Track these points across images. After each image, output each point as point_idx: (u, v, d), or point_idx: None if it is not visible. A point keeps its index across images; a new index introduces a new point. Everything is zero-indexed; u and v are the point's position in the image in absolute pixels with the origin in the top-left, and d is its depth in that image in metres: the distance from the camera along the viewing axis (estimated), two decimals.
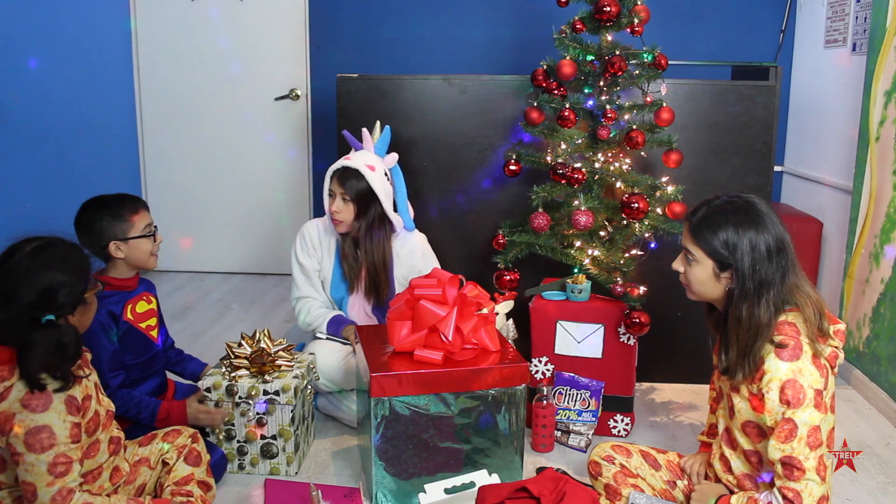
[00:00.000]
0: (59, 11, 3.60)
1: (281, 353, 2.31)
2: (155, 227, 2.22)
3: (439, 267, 2.68)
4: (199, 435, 2.05)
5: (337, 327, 2.59)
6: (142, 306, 2.25)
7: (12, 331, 1.60)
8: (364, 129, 2.60)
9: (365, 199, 2.50)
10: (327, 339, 2.62)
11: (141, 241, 2.16)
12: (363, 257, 2.57)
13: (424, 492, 1.92)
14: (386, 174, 2.56)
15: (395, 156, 2.62)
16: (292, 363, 2.33)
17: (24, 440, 1.56)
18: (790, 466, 1.59)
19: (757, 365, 1.63)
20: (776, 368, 1.60)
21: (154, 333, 2.29)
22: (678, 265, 1.78)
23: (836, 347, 1.69)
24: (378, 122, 2.68)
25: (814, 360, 1.61)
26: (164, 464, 1.98)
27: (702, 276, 1.71)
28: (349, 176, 2.49)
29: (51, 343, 1.59)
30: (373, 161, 2.53)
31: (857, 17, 3.39)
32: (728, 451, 1.80)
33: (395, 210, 2.63)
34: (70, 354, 1.63)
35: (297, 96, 4.30)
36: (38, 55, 3.42)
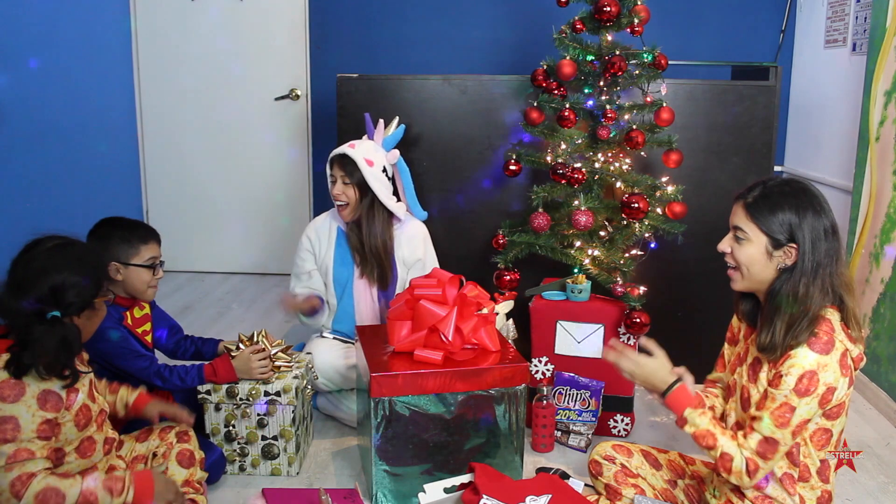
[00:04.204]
0: (59, 11, 3.59)
1: (280, 353, 2.31)
2: (161, 262, 2.21)
3: (437, 260, 2.70)
4: (190, 433, 2.05)
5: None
6: (138, 312, 2.27)
7: (17, 321, 1.62)
8: (381, 121, 2.63)
9: (364, 184, 2.53)
10: (334, 338, 2.64)
11: (141, 270, 2.15)
12: (366, 240, 2.58)
13: (424, 491, 1.92)
14: (385, 169, 2.58)
15: (396, 152, 2.64)
16: (291, 363, 2.33)
17: None
18: (768, 447, 1.62)
19: (790, 347, 1.62)
20: (804, 356, 1.59)
21: (149, 339, 2.30)
22: (725, 245, 1.74)
23: (861, 350, 1.68)
24: (397, 119, 2.70)
25: (841, 359, 1.60)
26: (153, 455, 1.98)
27: (754, 255, 1.68)
28: (347, 163, 2.52)
29: (56, 339, 1.61)
30: (373, 156, 2.55)
31: (857, 17, 3.39)
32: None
33: (403, 204, 2.67)
34: (74, 351, 1.66)
35: (297, 96, 4.30)
36: (38, 55, 3.41)
